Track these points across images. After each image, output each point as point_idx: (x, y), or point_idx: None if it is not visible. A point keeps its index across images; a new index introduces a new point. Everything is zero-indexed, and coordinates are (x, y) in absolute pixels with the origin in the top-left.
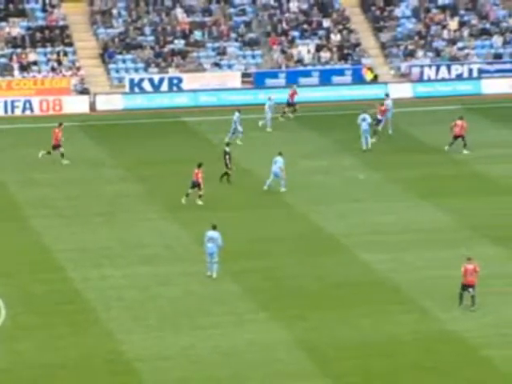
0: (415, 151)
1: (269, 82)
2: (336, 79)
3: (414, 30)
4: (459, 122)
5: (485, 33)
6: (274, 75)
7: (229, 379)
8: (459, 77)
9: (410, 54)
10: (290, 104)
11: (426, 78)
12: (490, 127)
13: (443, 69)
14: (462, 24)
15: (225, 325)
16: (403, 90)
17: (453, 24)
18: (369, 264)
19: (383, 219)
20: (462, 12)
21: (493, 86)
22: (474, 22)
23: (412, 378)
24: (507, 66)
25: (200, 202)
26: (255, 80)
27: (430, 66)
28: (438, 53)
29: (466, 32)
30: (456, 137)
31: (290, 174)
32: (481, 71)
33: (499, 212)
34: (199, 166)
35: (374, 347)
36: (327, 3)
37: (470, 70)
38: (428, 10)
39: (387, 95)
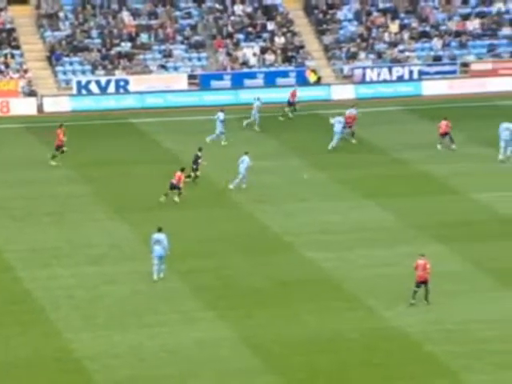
0: (359, 151)
1: (214, 83)
2: (280, 81)
3: (356, 32)
4: (444, 123)
5: (425, 35)
6: (220, 77)
7: (176, 377)
8: (400, 78)
9: (353, 57)
10: (290, 103)
11: (367, 79)
12: (430, 128)
13: (385, 71)
14: (402, 27)
15: (172, 323)
16: (346, 92)
17: (393, 27)
18: (315, 262)
19: (329, 218)
20: (402, 15)
21: (432, 88)
22: (415, 24)
23: (358, 374)
24: (446, 68)
25: (176, 199)
26: (201, 82)
27: (371, 68)
28: (379, 55)
29: (406, 35)
30: (442, 135)
31: (236, 173)
32: (421, 73)
33: (441, 211)
34: (182, 169)
35: (319, 344)
36: (271, 6)
37: (411, 72)
38: (369, 13)
39: (352, 107)
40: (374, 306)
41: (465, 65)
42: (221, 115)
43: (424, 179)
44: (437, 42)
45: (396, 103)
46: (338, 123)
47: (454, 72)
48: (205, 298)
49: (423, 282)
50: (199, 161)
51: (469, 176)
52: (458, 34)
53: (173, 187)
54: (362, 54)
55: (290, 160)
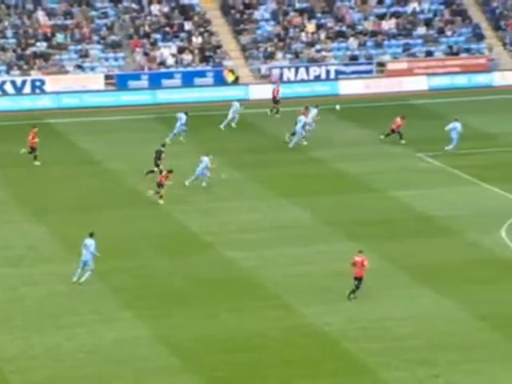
0: (276, 150)
1: (132, 84)
2: (198, 81)
3: (273, 32)
4: (398, 119)
5: (341, 35)
6: (137, 77)
7: (94, 377)
8: (317, 78)
9: (270, 56)
10: (275, 100)
11: (285, 79)
12: (346, 127)
13: (302, 70)
14: (319, 27)
15: (90, 324)
16: (263, 92)
17: (310, 27)
18: (234, 261)
19: (247, 217)
20: (318, 15)
21: (349, 87)
22: (331, 24)
23: (277, 371)
24: (363, 68)
25: (161, 202)
26: (118, 82)
27: (289, 67)
28: (296, 55)
29: (323, 34)
30: (393, 130)
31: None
32: (338, 72)
33: (357, 209)
34: (169, 171)
35: (239, 342)
36: (188, 6)
37: (328, 72)
38: (286, 13)
39: (306, 108)
40: (293, 303)
41: (381, 64)
42: (183, 117)
43: (340, 177)
44: (353, 42)
45: (313, 102)
46: (298, 122)
47: (370, 71)
48: (123, 297)
49: (358, 279)
50: (162, 155)
51: (385, 174)
52: (373, 33)
53: (159, 185)
54: (280, 54)
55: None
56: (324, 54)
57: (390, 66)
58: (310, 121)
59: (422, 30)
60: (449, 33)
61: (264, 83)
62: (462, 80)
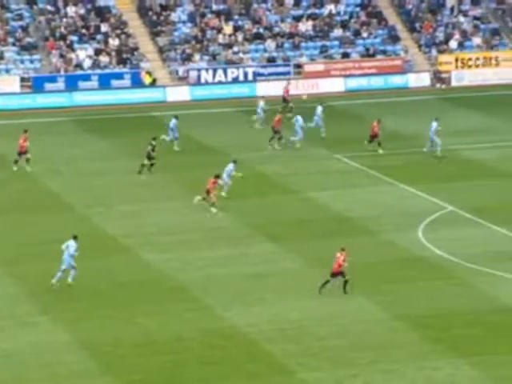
0: (195, 153)
1: (48, 86)
2: (115, 83)
3: (190, 34)
4: (374, 124)
5: (258, 37)
6: (53, 79)
7: (10, 382)
8: (235, 80)
9: (187, 58)
10: (285, 99)
11: (203, 81)
12: (266, 129)
13: (220, 72)
14: (236, 29)
15: (6, 328)
16: (181, 93)
17: (228, 28)
18: (153, 264)
19: (165, 219)
20: (236, 17)
21: (267, 89)
22: (248, 26)
23: (195, 373)
24: (280, 69)
25: (214, 210)
26: (34, 84)
27: (206, 69)
28: (214, 57)
29: (240, 36)
30: (372, 137)
31: (69, 175)
32: (255, 74)
33: (276, 210)
34: (216, 176)
35: (158, 345)
36: (104, 8)
37: (246, 74)
38: (203, 15)
39: (280, 111)
40: (212, 305)
41: (298, 66)
42: (172, 122)
43: (260, 179)
44: (270, 44)
45: (231, 104)
46: (296, 122)
47: (287, 73)
48: (40, 301)
49: (336, 274)
50: (150, 148)
51: (303, 175)
52: (290, 35)
53: (207, 192)
54: (197, 56)
55: (123, 161)
56: (241, 55)
57: (307, 68)
58: (318, 119)
59: (338, 31)
60: (365, 34)
61: (181, 85)
62: (378, 81)
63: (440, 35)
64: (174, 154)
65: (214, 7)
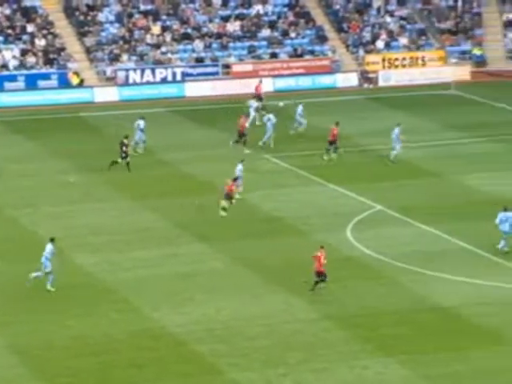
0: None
1: None
2: (42, 83)
3: (118, 34)
4: (333, 128)
5: (186, 37)
6: None
7: None
8: (164, 80)
9: (115, 59)
10: (259, 97)
11: (131, 81)
12: (194, 129)
13: (148, 72)
14: (164, 29)
15: None
16: (109, 94)
17: (156, 29)
18: (83, 265)
19: (95, 220)
20: (164, 17)
21: (195, 89)
22: (176, 26)
23: (124, 375)
24: (209, 70)
25: (224, 214)
26: None
27: (134, 69)
28: (142, 57)
29: (168, 36)
30: (330, 143)
31: None
32: (184, 74)
33: (205, 210)
34: (234, 179)
35: (86, 347)
36: (30, 8)
37: (174, 74)
38: (131, 15)
39: (247, 115)
40: (141, 306)
41: (226, 66)
42: (141, 123)
43: (188, 180)
44: (198, 44)
45: (160, 105)
46: (267, 121)
47: (216, 73)
48: None
49: (320, 273)
50: (123, 148)
51: (232, 176)
52: (219, 35)
53: (228, 197)
54: (125, 56)
55: (52, 162)
56: (170, 56)
57: (236, 68)
58: (299, 118)
59: (266, 32)
60: (293, 35)
61: (109, 85)
62: (306, 81)
63: (367, 35)
64: (100, 155)
65: (142, 7)
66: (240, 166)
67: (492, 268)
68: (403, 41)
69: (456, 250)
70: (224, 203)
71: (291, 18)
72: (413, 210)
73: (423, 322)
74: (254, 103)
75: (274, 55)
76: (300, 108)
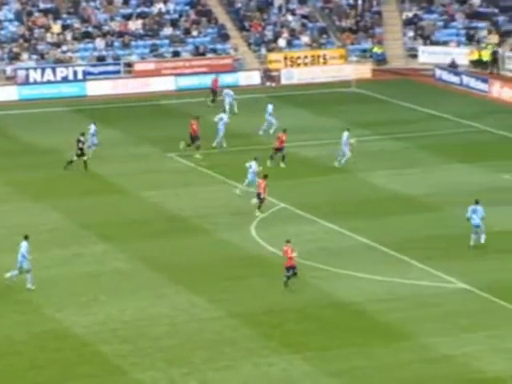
0: (24, 154)
1: None
2: None
3: (17, 33)
4: (281, 135)
5: (88, 36)
6: None
7: None
8: (64, 79)
9: (15, 57)
10: (214, 91)
11: (31, 80)
12: (99, 128)
13: (48, 71)
14: (65, 27)
15: None
16: (9, 93)
17: (56, 27)
18: None
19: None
20: (64, 16)
21: (97, 88)
22: (77, 25)
23: (28, 377)
24: (110, 68)
25: (258, 213)
26: None
27: (35, 68)
28: (42, 56)
29: (69, 35)
30: (276, 150)
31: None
32: (85, 73)
33: (108, 210)
34: (265, 176)
35: None
36: None
37: (75, 73)
38: (30, 14)
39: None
40: (44, 307)
41: (128, 65)
42: (92, 128)
43: (92, 179)
44: (100, 43)
45: (61, 104)
46: (219, 120)
47: (118, 72)
48: None
49: (291, 267)
50: (80, 144)
51: (135, 175)
52: (120, 34)
53: (260, 197)
54: (25, 55)
55: None
56: (71, 54)
57: (138, 67)
58: (269, 118)
59: (168, 30)
60: (195, 33)
61: (9, 85)
62: (209, 80)
63: (269, 34)
64: (3, 155)
65: (42, 6)
66: (253, 163)
67: (395, 264)
68: (305, 39)
69: (360, 247)
70: (255, 201)
71: (193, 16)
72: (317, 207)
73: (327, 318)
74: (229, 91)
75: (176, 54)
76: (270, 107)
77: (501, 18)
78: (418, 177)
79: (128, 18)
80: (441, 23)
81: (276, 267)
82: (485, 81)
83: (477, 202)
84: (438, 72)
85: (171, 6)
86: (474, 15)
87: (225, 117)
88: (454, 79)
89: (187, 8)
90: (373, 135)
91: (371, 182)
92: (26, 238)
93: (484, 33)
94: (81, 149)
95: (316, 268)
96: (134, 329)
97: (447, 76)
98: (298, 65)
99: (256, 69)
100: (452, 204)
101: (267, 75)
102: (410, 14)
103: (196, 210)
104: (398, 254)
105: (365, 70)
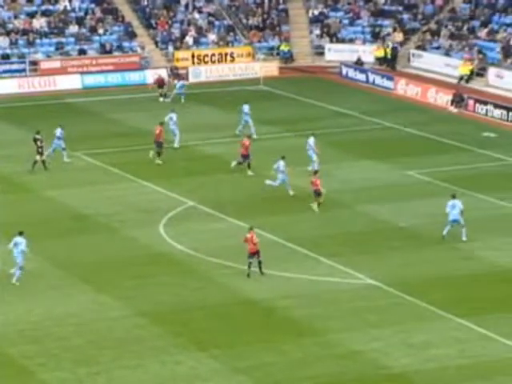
0: None
1: None
2: None
3: None
4: (245, 141)
5: None
6: None
7: None
8: None
9: None
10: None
11: None
12: (1, 127)
13: None
14: None
15: None
16: None
17: None
18: None
19: None
20: None
21: (2, 87)
22: None
23: None
24: (15, 67)
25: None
26: None
27: None
28: None
29: None
30: (244, 156)
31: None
32: None
33: (12, 210)
34: (315, 172)
35: None
36: None
37: None
38: None
39: (161, 123)
40: None
41: (34, 63)
42: (58, 131)
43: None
44: (4, 41)
45: None
46: (170, 120)
47: (23, 70)
48: None
49: (255, 253)
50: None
51: (40, 174)
52: (25, 32)
53: (317, 194)
54: None
55: None
56: None
57: (44, 65)
58: (245, 117)
59: (74, 28)
60: (101, 31)
61: None
62: (115, 78)
63: (176, 32)
64: None
65: None
66: (281, 162)
67: (303, 261)
68: (212, 37)
69: (268, 244)
70: (318, 199)
71: (99, 14)
72: (225, 205)
73: (234, 315)
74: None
75: (82, 52)
76: (246, 107)
77: (405, 16)
78: (326, 173)
79: (32, 15)
80: (346, 21)
81: (184, 265)
82: (390, 78)
83: (453, 197)
84: (345, 69)
85: (76, 4)
86: (379, 13)
87: (174, 116)
88: (360, 76)
89: (93, 6)
90: (280, 132)
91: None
92: (20, 233)
93: (389, 30)
94: (41, 147)
95: (223, 266)
96: (40, 329)
97: (353, 73)
98: (206, 62)
99: (163, 67)
100: (360, 200)
101: (174, 73)
102: (316, 12)
103: (102, 208)
104: (306, 251)
105: (272, 68)
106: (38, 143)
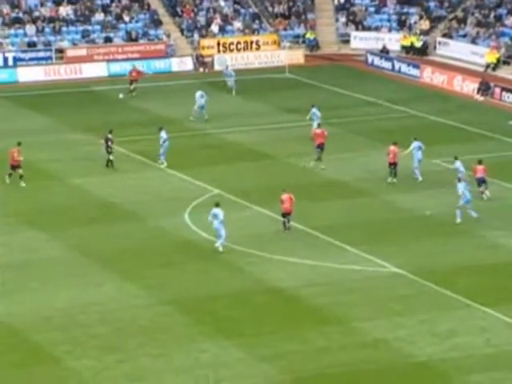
0: None
1: None
2: None
3: None
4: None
5: (18, 22)
6: None
7: None
8: None
9: None
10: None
11: None
12: (27, 115)
13: None
14: None
15: None
16: None
17: None
18: None
19: None
20: None
21: (28, 74)
22: (7, 11)
23: None
24: (41, 54)
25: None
26: None
27: None
28: None
29: None
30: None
31: None
32: (16, 59)
33: (38, 198)
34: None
35: None
36: None
37: (6, 59)
38: None
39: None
40: None
41: (60, 51)
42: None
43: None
44: (30, 28)
45: None
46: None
47: (49, 58)
48: None
49: (288, 213)
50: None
51: (66, 162)
52: (51, 19)
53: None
54: None
55: None
56: (1, 40)
57: (70, 53)
58: None
59: (100, 16)
60: (127, 19)
61: None
62: (141, 66)
63: (201, 19)
64: None
65: None
66: (458, 163)
67: (328, 249)
68: (237, 25)
69: (292, 232)
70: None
71: (124, 1)
72: (249, 192)
73: (259, 303)
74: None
75: (108, 39)
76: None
77: (432, 4)
78: (351, 162)
79: (59, 3)
80: (372, 9)
81: (209, 253)
82: (416, 66)
83: (459, 180)
84: (370, 57)
85: None
86: (406, 1)
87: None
88: (386, 64)
89: None
90: (305, 120)
91: (304, 166)
92: (217, 205)
93: (415, 18)
94: (110, 147)
95: (249, 254)
96: (66, 317)
97: (379, 61)
98: (231, 50)
99: (188, 55)
100: (385, 189)
101: (200, 61)
102: (342, 0)
103: (128, 196)
104: (331, 239)
105: (298, 56)
106: (109, 143)
